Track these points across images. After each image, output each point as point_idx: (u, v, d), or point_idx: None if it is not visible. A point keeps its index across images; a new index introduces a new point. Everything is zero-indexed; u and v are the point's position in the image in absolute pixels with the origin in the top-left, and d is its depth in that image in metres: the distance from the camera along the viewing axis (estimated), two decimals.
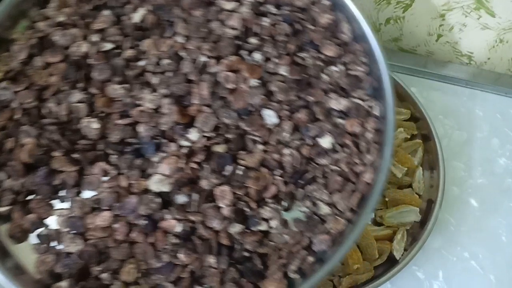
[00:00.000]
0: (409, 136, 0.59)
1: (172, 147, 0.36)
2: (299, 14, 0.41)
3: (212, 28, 0.40)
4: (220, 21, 0.40)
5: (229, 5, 0.40)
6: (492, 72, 0.70)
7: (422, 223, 0.53)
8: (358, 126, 0.38)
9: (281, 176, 0.37)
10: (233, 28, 0.39)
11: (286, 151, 0.37)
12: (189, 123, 0.37)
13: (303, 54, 0.40)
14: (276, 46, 0.40)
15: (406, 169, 0.55)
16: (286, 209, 0.37)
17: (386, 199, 0.54)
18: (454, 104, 0.65)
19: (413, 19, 0.67)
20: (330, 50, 0.40)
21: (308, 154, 0.38)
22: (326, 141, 0.37)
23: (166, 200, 0.35)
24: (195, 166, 0.36)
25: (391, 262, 0.51)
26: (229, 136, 0.37)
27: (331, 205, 0.37)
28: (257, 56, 0.39)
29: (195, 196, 0.35)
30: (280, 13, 0.41)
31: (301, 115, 0.38)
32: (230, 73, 0.38)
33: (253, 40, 0.40)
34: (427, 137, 0.58)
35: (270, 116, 0.38)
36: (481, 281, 0.53)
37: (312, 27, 0.41)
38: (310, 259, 0.35)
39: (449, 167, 0.57)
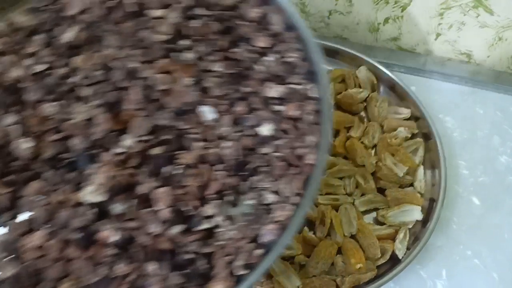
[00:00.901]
0: (409, 135, 0.59)
1: (107, 155, 0.35)
2: (229, 12, 0.41)
3: (143, 36, 0.40)
4: (151, 28, 0.40)
5: (158, 12, 0.40)
6: (492, 70, 0.70)
7: (424, 222, 0.53)
8: (296, 110, 0.38)
9: (223, 170, 0.36)
10: (164, 33, 0.39)
11: (226, 144, 0.37)
12: (124, 129, 0.36)
13: (236, 49, 0.40)
14: (208, 44, 0.40)
15: (407, 168, 0.55)
16: (231, 204, 0.36)
17: (388, 198, 0.54)
18: (454, 103, 0.65)
19: (411, 18, 0.67)
20: (262, 42, 0.40)
21: (249, 144, 0.37)
22: (266, 129, 0.37)
23: (103, 210, 0.34)
24: (131, 171, 0.35)
25: (393, 261, 0.51)
26: (166, 137, 0.36)
27: (277, 192, 0.36)
28: (190, 55, 0.39)
29: (133, 202, 0.34)
30: (210, 13, 0.41)
31: (239, 107, 0.38)
32: (162, 75, 0.38)
33: (184, 42, 0.40)
34: (427, 136, 0.58)
35: (207, 112, 0.37)
36: (484, 279, 0.53)
37: (243, 22, 0.41)
38: (258, 251, 0.34)
39: (450, 166, 0.57)
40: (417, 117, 0.60)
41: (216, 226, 0.35)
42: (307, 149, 0.37)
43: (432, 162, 0.57)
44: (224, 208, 0.35)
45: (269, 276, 0.49)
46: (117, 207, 0.34)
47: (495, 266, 0.54)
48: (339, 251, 0.51)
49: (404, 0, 0.65)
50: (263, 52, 0.41)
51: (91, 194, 0.34)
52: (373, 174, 0.56)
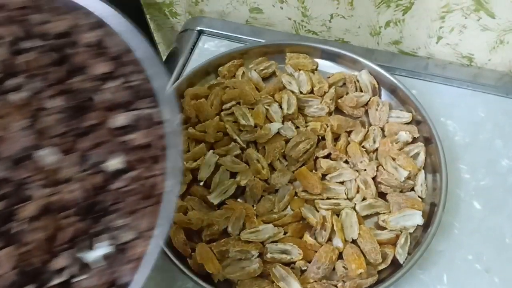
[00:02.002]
0: (411, 139, 0.59)
1: None
2: (62, 40, 0.39)
3: None
4: None
5: None
6: (493, 73, 0.70)
7: (426, 227, 0.52)
8: (145, 137, 0.36)
9: (72, 216, 0.34)
10: None
11: (72, 186, 0.34)
12: None
13: (74, 79, 0.38)
14: (42, 79, 0.37)
15: (408, 172, 0.55)
16: (86, 250, 0.34)
17: (389, 203, 0.54)
18: (455, 106, 0.65)
19: (413, 22, 0.67)
20: (101, 67, 0.38)
21: (98, 182, 0.35)
22: (115, 163, 0.35)
23: None
24: None
25: (395, 267, 0.51)
26: (4, 191, 0.33)
27: (133, 228, 0.34)
28: (22, 94, 0.36)
29: None
30: (42, 44, 0.38)
31: (84, 143, 0.35)
32: None
33: (14, 80, 0.37)
34: (429, 140, 0.58)
35: (48, 155, 0.34)
36: (486, 283, 0.53)
37: (78, 50, 0.39)
38: None
39: (451, 170, 0.57)
40: (418, 121, 0.60)
41: (72, 277, 0.32)
42: (159, 177, 0.35)
43: (433, 166, 0.57)
44: (78, 256, 0.33)
45: (270, 282, 0.49)
46: None
47: (496, 270, 0.53)
48: (340, 256, 0.51)
49: (405, 4, 0.64)
50: (104, 79, 0.38)
51: None
52: (374, 178, 0.56)
